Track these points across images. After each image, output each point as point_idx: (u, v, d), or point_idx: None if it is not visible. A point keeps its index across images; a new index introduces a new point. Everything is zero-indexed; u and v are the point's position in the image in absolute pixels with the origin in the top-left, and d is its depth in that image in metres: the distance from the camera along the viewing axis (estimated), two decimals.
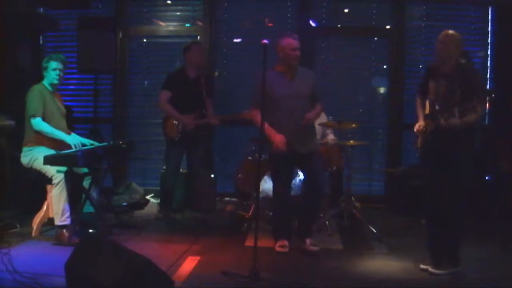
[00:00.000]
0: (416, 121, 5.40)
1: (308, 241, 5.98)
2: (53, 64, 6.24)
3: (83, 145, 6.32)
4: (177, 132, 7.21)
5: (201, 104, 7.31)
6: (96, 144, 6.48)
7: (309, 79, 6.09)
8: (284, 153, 5.84)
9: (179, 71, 7.53)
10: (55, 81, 6.29)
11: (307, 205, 6.11)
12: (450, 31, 5.16)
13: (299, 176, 6.79)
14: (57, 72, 6.26)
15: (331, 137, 7.50)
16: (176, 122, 7.21)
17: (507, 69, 8.23)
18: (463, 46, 5.18)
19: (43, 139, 6.13)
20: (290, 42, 5.91)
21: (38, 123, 6.09)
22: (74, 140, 6.22)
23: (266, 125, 5.75)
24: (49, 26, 8.65)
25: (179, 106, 7.21)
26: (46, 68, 6.26)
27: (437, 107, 5.01)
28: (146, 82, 9.19)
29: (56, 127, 6.20)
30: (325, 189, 6.52)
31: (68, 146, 6.18)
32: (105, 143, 6.68)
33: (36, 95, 6.14)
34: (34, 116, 6.08)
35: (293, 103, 5.88)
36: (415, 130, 5.32)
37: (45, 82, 6.30)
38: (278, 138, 5.81)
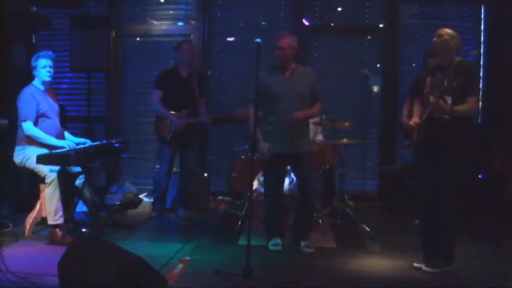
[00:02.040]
0: (405, 121, 5.40)
1: (302, 243, 5.98)
2: (43, 62, 6.20)
3: (76, 144, 6.30)
4: (168, 132, 7.21)
5: (193, 103, 7.30)
6: (89, 143, 6.46)
7: (309, 78, 6.06)
8: (277, 152, 5.85)
9: (171, 69, 7.53)
10: (47, 79, 6.25)
11: (299, 207, 6.13)
12: (448, 29, 5.20)
13: (291, 174, 6.80)
14: (47, 69, 6.22)
15: (319, 137, 7.50)
16: (168, 122, 7.22)
17: (500, 67, 8.25)
18: (460, 44, 5.20)
19: (35, 139, 6.10)
20: (277, 40, 5.93)
21: (28, 128, 6.05)
22: (65, 142, 6.21)
23: (257, 128, 5.75)
24: (42, 25, 8.61)
25: (171, 105, 7.22)
26: (35, 67, 6.21)
27: (431, 99, 5.01)
28: (139, 81, 9.16)
29: (50, 126, 6.20)
30: (315, 190, 6.49)
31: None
32: (98, 142, 6.66)
33: (27, 99, 6.11)
34: (25, 120, 6.06)
35: (290, 101, 5.86)
36: (411, 123, 5.30)
37: (36, 81, 6.26)
38: (263, 146, 5.87)
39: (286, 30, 7.37)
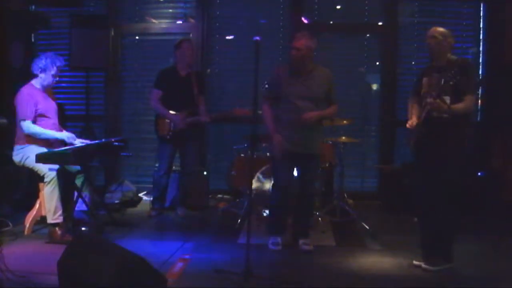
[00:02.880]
0: (408, 119, 5.39)
1: (301, 241, 5.98)
2: (55, 70, 6.20)
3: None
4: (168, 131, 7.22)
5: (193, 102, 7.30)
6: (87, 142, 6.45)
7: (325, 80, 5.99)
8: (286, 151, 5.85)
9: (170, 68, 7.52)
10: (51, 85, 6.28)
11: (298, 205, 6.12)
12: (439, 27, 5.20)
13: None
14: (57, 78, 6.25)
15: None
16: (168, 121, 7.22)
17: (499, 65, 8.24)
18: (453, 41, 5.20)
19: (34, 138, 6.11)
20: (293, 40, 5.90)
21: (28, 126, 6.05)
22: (66, 135, 6.22)
23: (271, 122, 5.83)
24: (41, 24, 8.61)
25: (171, 104, 7.22)
26: (45, 70, 6.19)
27: (428, 100, 5.01)
28: (138, 79, 9.15)
29: (49, 125, 6.20)
30: (314, 189, 6.48)
31: (61, 144, 6.18)
32: (97, 141, 6.65)
33: (25, 98, 6.10)
34: (24, 120, 6.06)
35: (302, 103, 5.81)
36: (407, 126, 5.30)
37: (36, 81, 6.24)
38: (276, 139, 5.86)
39: (283, 28, 7.34)
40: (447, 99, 4.94)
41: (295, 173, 6.36)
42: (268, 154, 6.97)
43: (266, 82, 6.27)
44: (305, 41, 5.86)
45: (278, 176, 6.08)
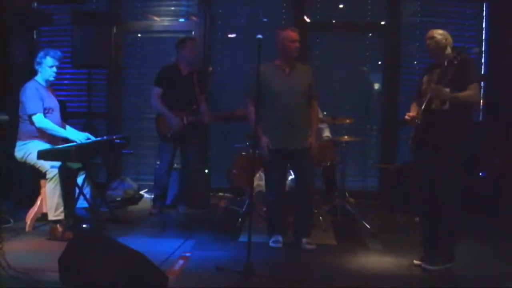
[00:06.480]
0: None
1: (304, 240, 5.97)
2: (50, 61, 6.19)
3: (87, 138, 6.31)
4: (169, 129, 7.22)
5: (194, 100, 7.30)
6: (93, 138, 6.46)
7: (307, 75, 6.06)
8: (277, 150, 5.85)
9: (172, 66, 7.51)
10: (51, 78, 6.27)
11: (298, 204, 6.12)
12: (436, 29, 5.28)
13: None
14: (54, 69, 6.23)
15: (326, 134, 7.50)
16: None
17: (501, 65, 8.24)
18: (452, 40, 5.21)
19: (38, 133, 6.11)
20: (289, 34, 5.92)
21: (40, 120, 6.06)
22: (77, 136, 6.23)
23: (257, 124, 5.73)
24: (44, 21, 8.61)
25: (171, 102, 7.21)
26: (41, 64, 6.20)
27: (429, 95, 5.01)
28: (140, 77, 9.15)
29: (52, 121, 6.18)
30: (314, 187, 6.49)
31: (63, 140, 6.20)
32: (99, 138, 6.65)
33: (33, 92, 6.10)
34: (35, 113, 6.05)
35: (289, 98, 5.85)
36: (406, 116, 5.30)
37: (39, 77, 6.25)
38: (263, 142, 5.87)
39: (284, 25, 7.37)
40: (448, 90, 4.92)
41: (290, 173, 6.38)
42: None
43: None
44: (297, 33, 5.94)
45: (271, 178, 6.09)
